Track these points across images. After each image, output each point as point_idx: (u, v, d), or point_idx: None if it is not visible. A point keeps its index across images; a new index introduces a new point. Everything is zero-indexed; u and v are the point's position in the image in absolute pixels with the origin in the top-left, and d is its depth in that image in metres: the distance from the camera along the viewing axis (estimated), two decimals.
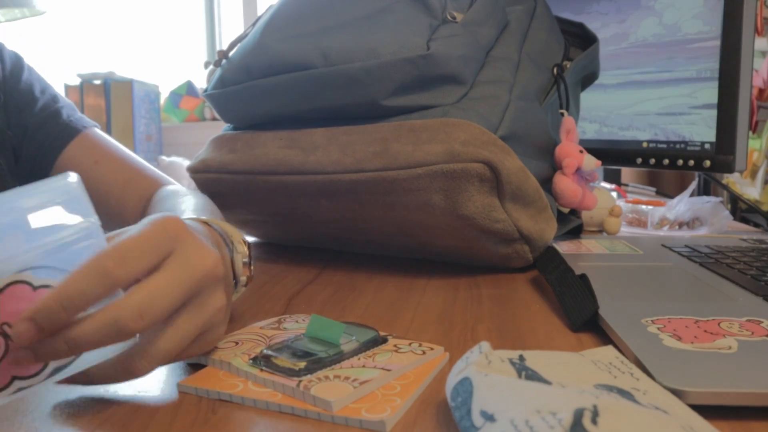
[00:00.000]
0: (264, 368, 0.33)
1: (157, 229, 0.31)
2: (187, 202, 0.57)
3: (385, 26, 0.57)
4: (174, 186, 0.70)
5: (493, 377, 0.26)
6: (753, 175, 1.17)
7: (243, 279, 0.43)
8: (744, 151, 0.77)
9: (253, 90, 0.61)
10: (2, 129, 0.69)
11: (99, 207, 0.73)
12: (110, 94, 1.94)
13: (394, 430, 0.29)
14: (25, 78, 0.73)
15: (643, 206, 0.88)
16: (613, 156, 0.91)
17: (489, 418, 0.24)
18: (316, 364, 0.34)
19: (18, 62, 0.74)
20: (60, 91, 0.78)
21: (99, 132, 0.75)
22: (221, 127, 0.70)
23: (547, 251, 0.57)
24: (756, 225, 0.99)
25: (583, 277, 0.46)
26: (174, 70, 2.37)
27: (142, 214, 0.67)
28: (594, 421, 0.22)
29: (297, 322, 0.42)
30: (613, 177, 1.25)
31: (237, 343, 0.37)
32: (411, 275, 0.58)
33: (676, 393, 0.29)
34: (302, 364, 0.33)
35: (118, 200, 0.70)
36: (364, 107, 0.56)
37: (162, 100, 2.17)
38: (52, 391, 0.33)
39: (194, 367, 0.36)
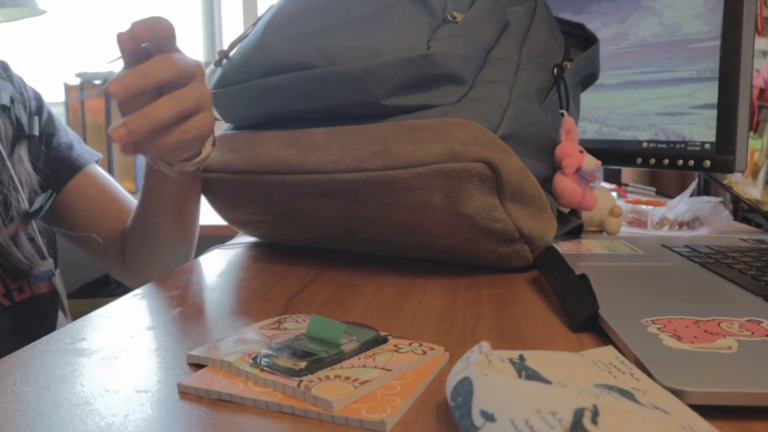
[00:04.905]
0: (264, 368, 0.33)
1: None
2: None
3: (386, 26, 0.57)
4: None
5: (493, 377, 0.26)
6: (754, 175, 1.17)
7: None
8: (744, 151, 0.77)
9: (254, 90, 0.61)
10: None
11: (93, 227, 0.84)
12: None
13: (394, 430, 0.29)
14: (44, 117, 0.82)
15: (643, 206, 0.88)
16: (613, 156, 0.91)
17: (489, 417, 0.24)
18: (316, 364, 0.34)
19: (39, 101, 0.83)
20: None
21: (98, 167, 0.87)
22: (221, 127, 0.70)
23: (547, 251, 0.57)
24: (758, 225, 0.99)
25: (583, 277, 0.46)
26: None
27: (122, 236, 0.83)
28: (594, 421, 0.22)
29: (297, 322, 0.42)
30: (613, 177, 1.25)
31: (237, 343, 0.37)
32: (411, 275, 0.58)
33: (676, 393, 0.29)
34: (303, 364, 0.33)
35: (110, 225, 0.83)
36: (364, 107, 0.56)
37: None
38: (52, 392, 0.33)
39: (194, 367, 0.36)
